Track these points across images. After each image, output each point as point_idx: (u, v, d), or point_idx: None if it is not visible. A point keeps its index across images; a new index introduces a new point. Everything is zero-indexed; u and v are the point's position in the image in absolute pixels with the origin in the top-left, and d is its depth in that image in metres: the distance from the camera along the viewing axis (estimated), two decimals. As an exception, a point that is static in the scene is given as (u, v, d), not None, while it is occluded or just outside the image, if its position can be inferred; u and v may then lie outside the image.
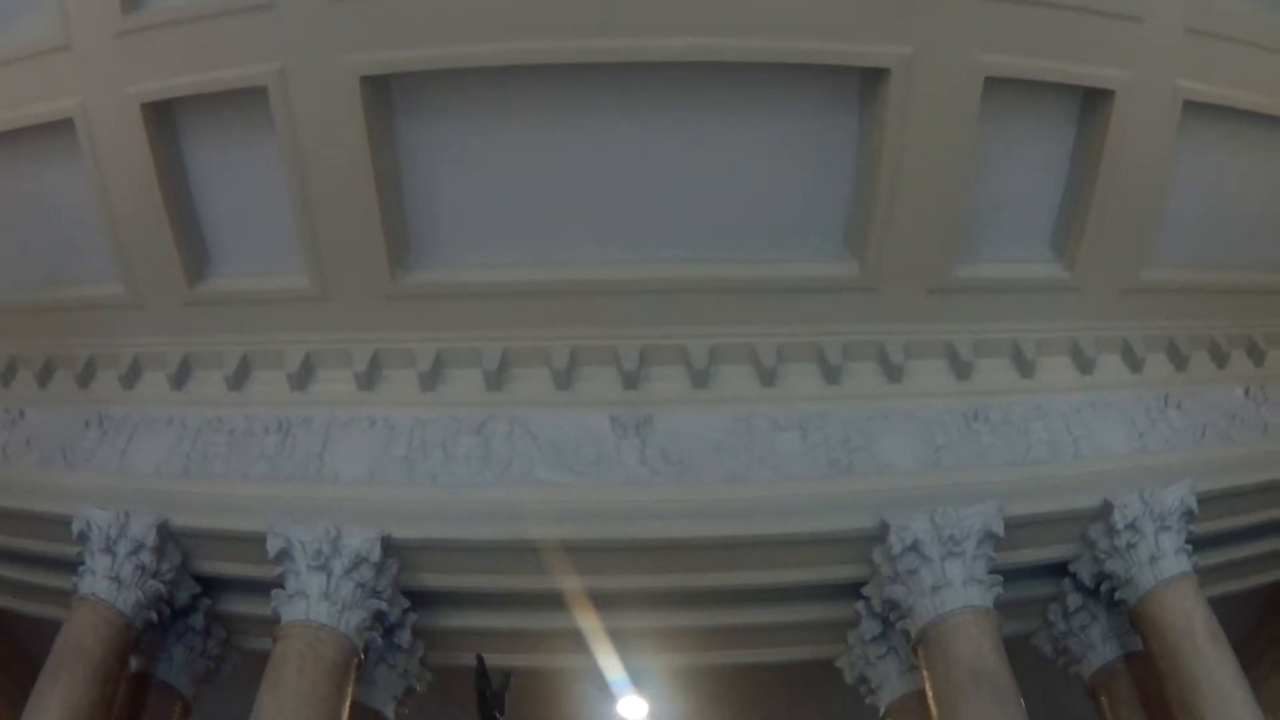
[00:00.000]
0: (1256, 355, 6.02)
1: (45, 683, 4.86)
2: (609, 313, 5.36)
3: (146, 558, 5.12)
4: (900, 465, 5.25)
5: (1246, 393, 5.90)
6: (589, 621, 5.19)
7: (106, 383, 5.75)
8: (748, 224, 5.25)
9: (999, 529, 5.00)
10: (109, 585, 5.07)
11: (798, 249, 5.34)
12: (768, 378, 5.43)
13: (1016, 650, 4.86)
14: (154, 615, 5.25)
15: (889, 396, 5.45)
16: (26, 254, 5.56)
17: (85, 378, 5.76)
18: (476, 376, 5.42)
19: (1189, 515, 5.23)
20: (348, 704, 4.73)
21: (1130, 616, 5.27)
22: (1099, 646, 5.59)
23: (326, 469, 5.27)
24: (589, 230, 5.24)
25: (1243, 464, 5.54)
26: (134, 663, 5.46)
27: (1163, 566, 5.11)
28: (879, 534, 5.05)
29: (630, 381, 5.41)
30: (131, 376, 5.70)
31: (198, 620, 5.57)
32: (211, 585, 5.52)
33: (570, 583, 5.10)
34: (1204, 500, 5.27)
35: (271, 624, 4.97)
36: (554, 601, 5.19)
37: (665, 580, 5.20)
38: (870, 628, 5.37)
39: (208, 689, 5.78)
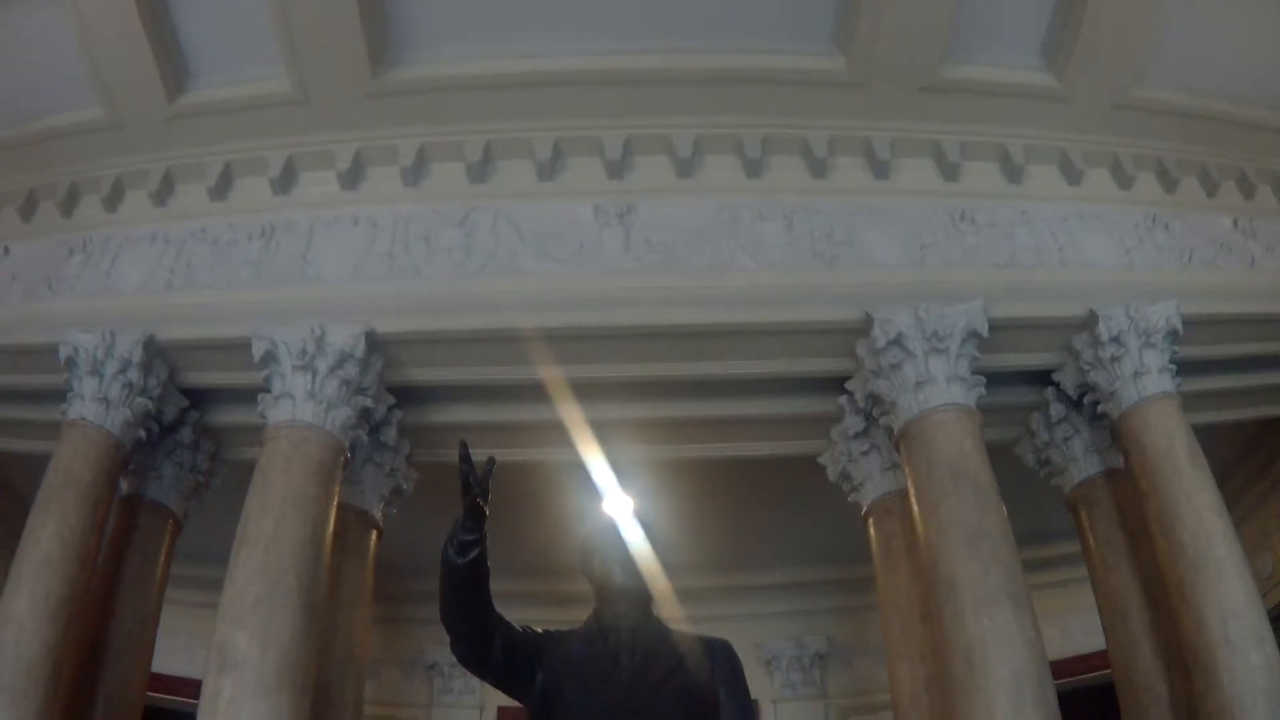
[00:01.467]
0: (1247, 189, 6.00)
1: (37, 515, 4.90)
2: (592, 103, 5.32)
3: (134, 375, 5.13)
4: (885, 261, 5.23)
5: (1235, 224, 5.87)
6: (574, 413, 5.20)
7: (89, 208, 5.73)
8: (735, 14, 5.18)
9: (983, 329, 4.99)
10: (97, 407, 5.10)
11: (785, 42, 5.28)
12: (752, 169, 5.40)
13: (998, 462, 4.85)
14: (142, 433, 5.27)
15: (875, 193, 5.42)
16: (2, 91, 5.50)
17: (68, 206, 5.73)
18: (459, 170, 5.40)
19: (1174, 335, 5.23)
20: (335, 504, 4.77)
21: (1112, 431, 5.31)
22: (1080, 460, 5.62)
23: (310, 270, 5.25)
24: (572, 20, 5.16)
25: (1229, 293, 5.54)
26: (124, 485, 5.54)
27: (1146, 383, 5.13)
28: (863, 327, 5.05)
29: (614, 171, 5.38)
30: (114, 198, 5.67)
31: (186, 435, 5.60)
32: (199, 398, 5.54)
33: (554, 373, 5.10)
34: (1189, 324, 5.26)
35: (258, 431, 4.98)
36: (539, 393, 5.22)
37: (649, 369, 5.22)
38: (853, 423, 5.40)
39: (198, 506, 5.84)
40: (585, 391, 5.23)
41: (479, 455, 3.15)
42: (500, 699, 7.61)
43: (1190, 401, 5.29)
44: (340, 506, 4.91)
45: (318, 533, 4.54)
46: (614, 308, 5.06)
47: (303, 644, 4.29)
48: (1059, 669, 4.28)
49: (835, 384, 5.37)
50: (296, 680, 4.24)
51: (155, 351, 5.21)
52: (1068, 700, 4.18)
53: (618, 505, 3.83)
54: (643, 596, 3.76)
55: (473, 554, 3.33)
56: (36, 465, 5.12)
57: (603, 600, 3.79)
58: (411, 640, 8.19)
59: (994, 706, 4.09)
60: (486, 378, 5.25)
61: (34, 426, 5.67)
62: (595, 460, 4.93)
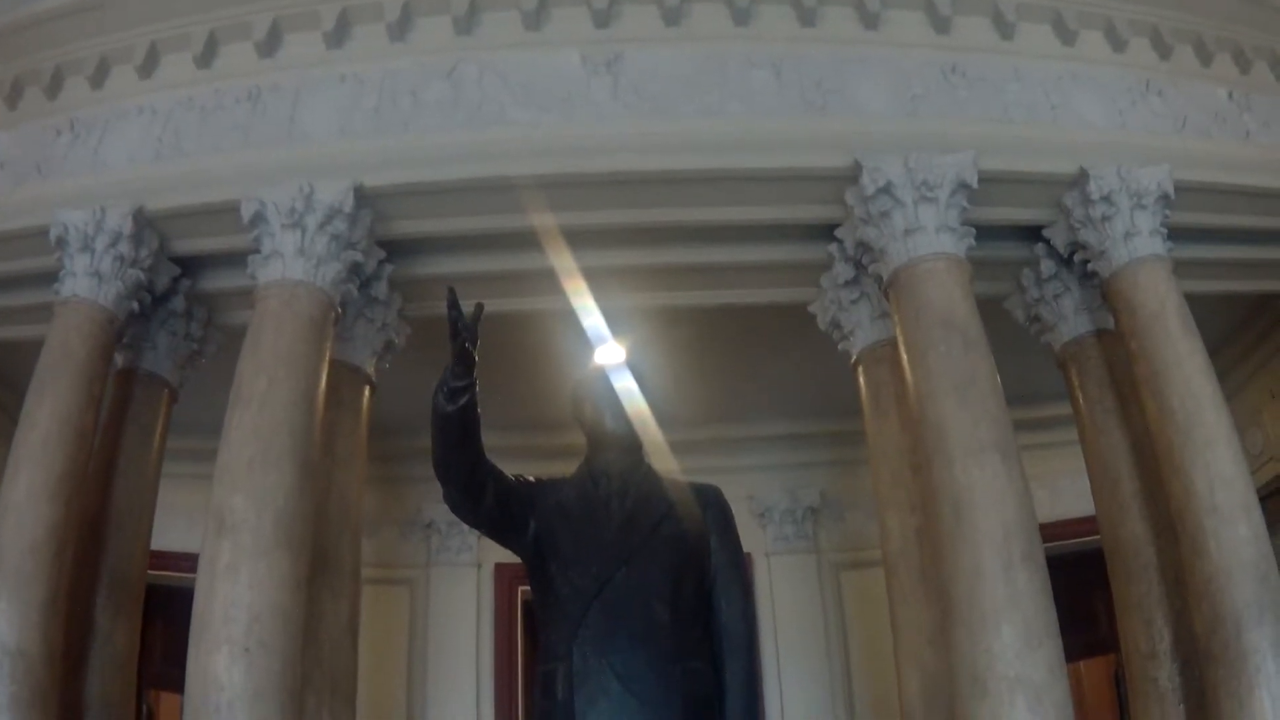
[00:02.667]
0: (1243, 63, 5.92)
1: (34, 395, 4.92)
2: (577, -52, 5.24)
3: (125, 248, 5.12)
4: (875, 110, 5.19)
5: (1230, 96, 5.79)
6: (564, 261, 5.20)
7: (74, 89, 5.66)
8: None
9: (973, 180, 4.96)
10: (89, 283, 5.10)
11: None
12: (741, 16, 5.31)
13: (989, 320, 4.85)
14: (135, 305, 5.29)
15: (865, 43, 5.34)
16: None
17: (54, 89, 5.66)
18: (445, 23, 5.31)
19: (1165, 200, 5.19)
20: (327, 361, 4.78)
21: (1103, 291, 5.31)
22: (1070, 318, 5.62)
23: (297, 130, 5.21)
24: None
25: (1222, 163, 5.47)
26: (119, 360, 5.56)
27: (1137, 244, 5.11)
28: (852, 174, 5.02)
29: (601, 20, 5.29)
30: (99, 76, 5.59)
31: (178, 303, 5.61)
32: (190, 266, 5.54)
33: (544, 220, 5.09)
34: (1181, 190, 5.23)
35: (250, 295, 4.99)
36: (529, 241, 5.22)
37: (639, 215, 5.21)
38: (843, 271, 5.39)
39: (193, 375, 5.87)
40: (576, 239, 5.22)
41: (469, 305, 3.16)
42: (498, 555, 7.71)
43: (1181, 269, 5.29)
44: (332, 363, 4.91)
45: (310, 390, 4.56)
46: (603, 154, 5.03)
47: (298, 503, 4.33)
48: (1048, 532, 4.31)
49: (825, 231, 5.36)
50: (294, 540, 4.29)
51: (145, 222, 5.19)
52: (1056, 564, 4.23)
53: (609, 354, 3.85)
54: (634, 443, 3.80)
55: (463, 400, 3.36)
56: (33, 353, 5.11)
57: (594, 447, 3.83)
58: (409, 500, 8.27)
59: (981, 558, 4.14)
60: (476, 228, 5.24)
61: (30, 312, 5.67)
62: (586, 309, 4.92)
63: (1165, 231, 5.18)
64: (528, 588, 3.99)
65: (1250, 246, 5.86)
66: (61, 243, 5.13)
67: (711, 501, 3.80)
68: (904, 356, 4.76)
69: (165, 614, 6.13)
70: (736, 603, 3.70)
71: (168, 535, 6.17)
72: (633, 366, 3.96)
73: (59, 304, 5.11)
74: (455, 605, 8.19)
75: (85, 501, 5.09)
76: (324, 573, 4.84)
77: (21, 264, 5.49)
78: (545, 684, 3.58)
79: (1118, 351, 5.37)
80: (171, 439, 5.80)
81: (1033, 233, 5.50)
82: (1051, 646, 4.06)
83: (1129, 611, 5.26)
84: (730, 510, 3.82)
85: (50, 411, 4.83)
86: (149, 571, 5.70)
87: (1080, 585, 6.20)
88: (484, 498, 3.59)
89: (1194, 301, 5.11)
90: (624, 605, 3.52)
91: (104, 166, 5.37)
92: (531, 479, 3.77)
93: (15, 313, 5.81)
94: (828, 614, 8.11)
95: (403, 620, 8.19)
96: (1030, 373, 5.77)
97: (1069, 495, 6.53)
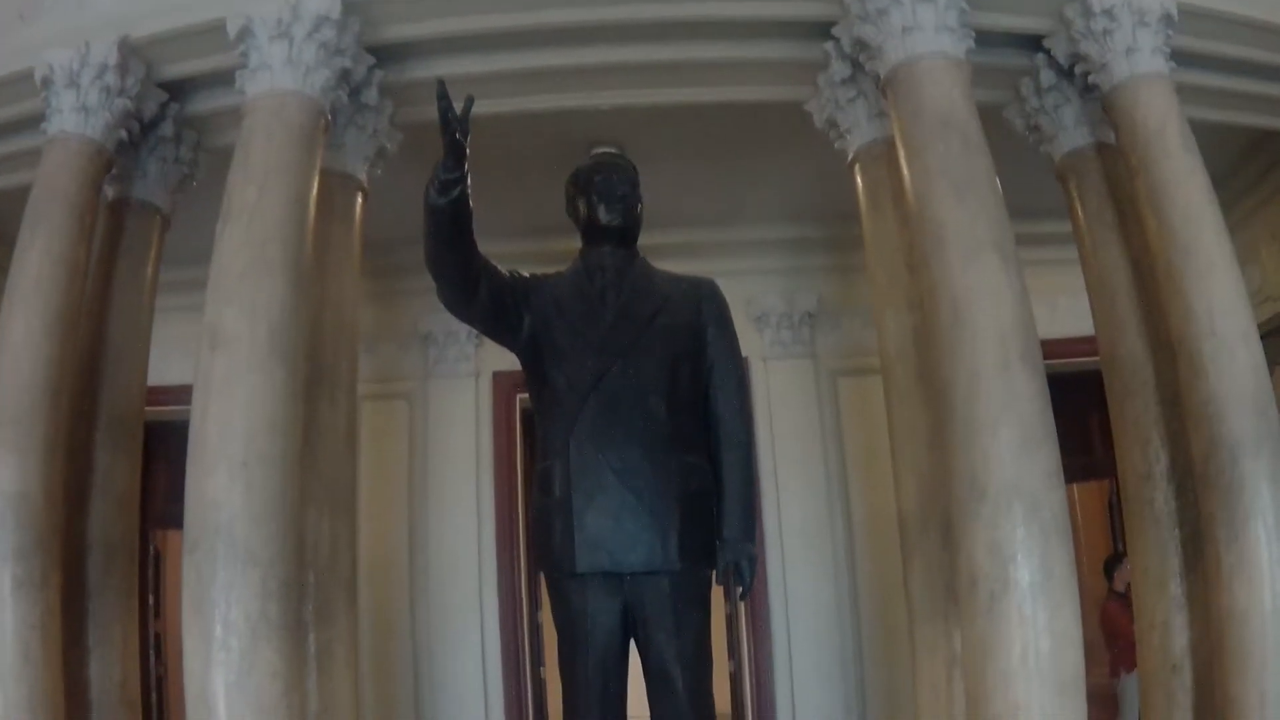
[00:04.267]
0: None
1: (25, 236, 4.89)
2: None
3: (111, 78, 5.03)
4: (868, -100, 5.02)
5: (1234, -80, 5.64)
6: (555, 59, 5.15)
7: (59, -69, 5.48)
8: None
9: (971, -18, 4.81)
10: (76, 117, 5.02)
11: None
12: None
13: (988, 131, 4.74)
14: (124, 134, 5.22)
15: None
16: None
17: (33, -66, 5.48)
18: None
19: (1168, 20, 5.06)
20: (317, 169, 4.71)
21: (1103, 104, 5.20)
22: (1070, 129, 5.54)
23: (283, -58, 5.06)
24: None
25: (1226, -14, 5.31)
26: (109, 193, 5.51)
27: (1138, 60, 5.00)
28: (849, -29, 4.88)
29: None
30: (79, -87, 5.41)
31: (167, 128, 5.52)
32: (178, 90, 5.45)
33: (534, 17, 4.99)
34: (1185, 14, 5.12)
35: (238, 113, 4.90)
36: (519, 40, 5.13)
37: (633, 11, 5.06)
38: (839, 69, 5.26)
39: (184, 201, 5.80)
40: (567, 36, 5.11)
41: (461, 101, 3.12)
42: (495, 363, 7.85)
43: (1184, 94, 5.19)
44: (324, 173, 4.84)
45: (302, 198, 4.50)
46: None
47: (292, 314, 4.30)
48: (1045, 349, 4.27)
49: (822, 29, 5.21)
50: (289, 352, 4.27)
51: (130, 50, 5.09)
52: (1052, 384, 4.19)
53: (604, 150, 3.81)
54: (629, 236, 3.78)
55: (454, 193, 3.34)
56: (23, 202, 5.06)
57: (588, 240, 3.82)
58: (406, 314, 8.29)
59: (979, 358, 4.12)
60: (466, 28, 5.11)
61: (20, 159, 5.61)
62: (581, 108, 4.86)
63: (1168, 51, 5.08)
64: (526, 395, 4.01)
65: (1254, 80, 5.77)
66: (47, 83, 5.05)
67: (708, 294, 3.80)
68: (902, 155, 4.67)
69: (167, 452, 6.16)
70: (733, 396, 3.72)
71: (166, 370, 6.17)
72: (628, 164, 3.92)
73: (46, 143, 5.05)
74: (454, 416, 8.26)
75: (81, 338, 5.10)
76: (320, 384, 4.85)
77: (9, 110, 5.45)
78: (543, 480, 3.62)
79: (1118, 166, 5.31)
80: (167, 271, 5.76)
81: (1033, 42, 5.37)
82: (1049, 452, 4.06)
83: (1125, 430, 5.28)
84: (726, 303, 3.82)
85: (42, 249, 4.80)
86: (149, 408, 5.72)
87: (1076, 408, 6.20)
88: (478, 293, 3.59)
89: (1193, 131, 5.03)
90: (620, 399, 3.54)
91: (87, 3, 5.25)
92: (526, 275, 3.76)
93: (4, 160, 5.78)
94: (824, 420, 8.17)
95: (402, 433, 8.28)
96: (1029, 187, 5.68)
97: (1067, 315, 6.52)
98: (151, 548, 9.05)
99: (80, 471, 5.17)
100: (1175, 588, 5.04)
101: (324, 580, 4.77)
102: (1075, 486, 9.30)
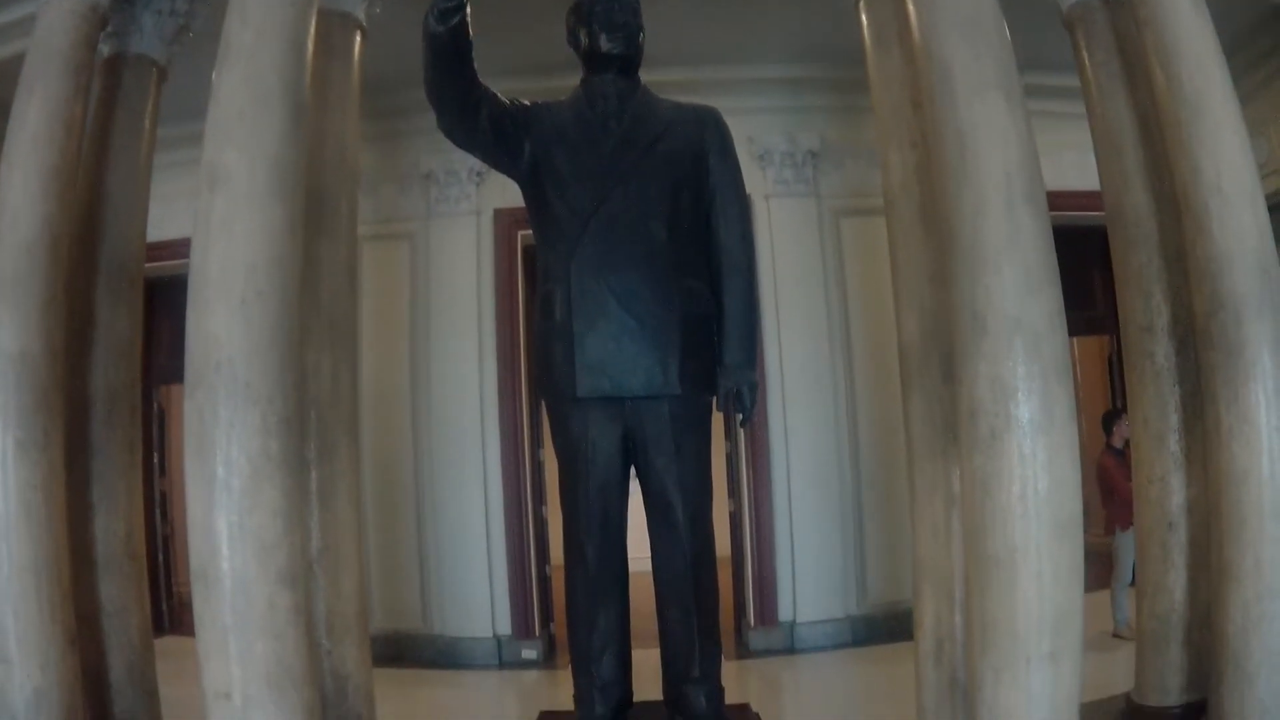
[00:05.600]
0: None
1: (21, 97, 4.84)
2: None
3: (105, -60, 4.94)
4: None
5: None
6: None
7: None
8: None
9: None
10: (70, -23, 4.90)
11: None
12: None
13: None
14: (119, -12, 5.12)
15: None
16: None
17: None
18: None
19: (1176, -128, 4.92)
20: (315, 8, 4.60)
21: (1107, -47, 5.11)
22: (1079, -23, 5.39)
23: None
24: None
25: None
26: (105, 50, 5.43)
27: (1145, -91, 4.88)
28: None
29: None
30: None
31: (162, -18, 5.44)
32: (175, -62, 5.33)
33: None
34: None
35: (236, -42, 4.81)
36: None
37: None
38: None
39: (180, 54, 5.72)
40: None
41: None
42: (497, 200, 7.86)
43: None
44: (321, 13, 4.72)
45: (299, 37, 4.36)
46: None
47: (291, 151, 4.22)
48: (1052, 201, 4.21)
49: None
50: (288, 189, 4.19)
51: (127, -88, 5.00)
52: (1056, 236, 4.14)
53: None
54: (631, 65, 3.74)
55: (453, 20, 3.30)
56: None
57: (590, 68, 3.77)
58: (407, 154, 8.29)
59: (984, 195, 4.07)
60: None
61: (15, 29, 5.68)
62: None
63: (1171, -93, 4.94)
64: (528, 232, 3.98)
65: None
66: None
67: (711, 122, 3.76)
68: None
69: (170, 307, 6.17)
70: (735, 223, 3.69)
71: (167, 225, 6.16)
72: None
73: (41, 6, 4.99)
74: (455, 254, 8.29)
75: (79, 194, 5.08)
76: (321, 222, 4.81)
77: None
78: (544, 304, 3.61)
79: (1125, 19, 5.20)
80: (166, 126, 5.70)
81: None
82: (1051, 293, 4.01)
83: (1128, 283, 5.25)
84: (729, 132, 3.78)
85: (38, 107, 4.77)
86: (152, 264, 5.71)
87: (1079, 261, 6.21)
88: (478, 120, 3.56)
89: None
90: (621, 224, 3.52)
91: None
92: (526, 102, 3.72)
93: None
94: (826, 259, 8.19)
95: (404, 273, 8.36)
96: (1037, 41, 5.59)
97: (1072, 170, 6.46)
98: (155, 405, 9.12)
99: (81, 326, 5.18)
100: (1174, 444, 5.06)
101: (325, 417, 4.77)
102: (1076, 341, 9.31)
